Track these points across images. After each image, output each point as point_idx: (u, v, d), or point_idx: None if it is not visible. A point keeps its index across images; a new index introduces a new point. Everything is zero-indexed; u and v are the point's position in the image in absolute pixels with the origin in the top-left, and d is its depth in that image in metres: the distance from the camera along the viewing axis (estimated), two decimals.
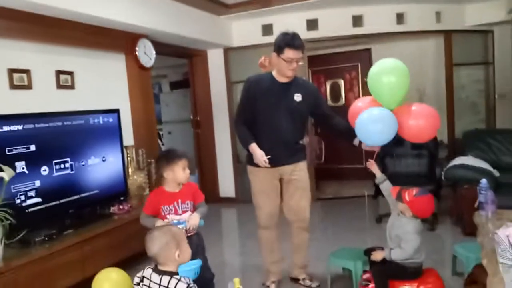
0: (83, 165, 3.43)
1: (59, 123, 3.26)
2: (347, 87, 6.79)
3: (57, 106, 3.42)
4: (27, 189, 2.98)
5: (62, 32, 3.45)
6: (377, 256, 2.53)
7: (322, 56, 6.69)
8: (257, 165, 2.85)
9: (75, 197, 3.33)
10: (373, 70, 2.58)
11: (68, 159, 3.31)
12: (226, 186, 5.97)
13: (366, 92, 6.53)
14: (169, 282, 1.75)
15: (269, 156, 2.76)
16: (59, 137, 3.26)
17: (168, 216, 2.46)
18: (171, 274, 1.78)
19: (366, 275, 2.61)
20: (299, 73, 5.54)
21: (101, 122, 3.61)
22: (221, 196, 5.96)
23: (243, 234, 4.77)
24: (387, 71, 2.52)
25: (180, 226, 2.29)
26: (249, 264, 3.65)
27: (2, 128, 2.83)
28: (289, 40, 2.77)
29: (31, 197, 3.01)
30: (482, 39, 5.83)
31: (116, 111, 3.77)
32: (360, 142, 2.76)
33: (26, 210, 2.97)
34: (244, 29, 5.63)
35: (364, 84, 6.64)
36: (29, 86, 3.30)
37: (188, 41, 5.04)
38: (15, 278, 2.58)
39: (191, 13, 4.77)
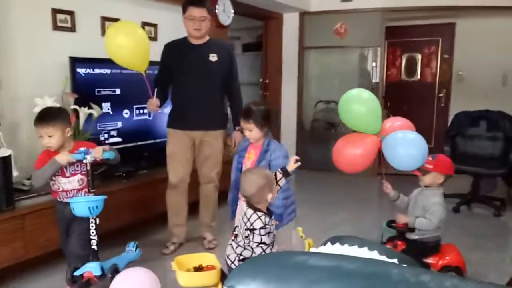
0: (159, 113, 3.67)
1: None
2: (424, 62, 6.49)
3: None
4: (110, 128, 3.29)
5: None
6: (400, 219, 2.50)
7: (400, 28, 6.41)
8: (173, 127, 3.03)
9: (151, 141, 3.61)
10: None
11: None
12: (288, 152, 6.05)
13: (443, 70, 6.30)
14: (251, 215, 1.94)
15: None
16: (142, 84, 3.50)
17: (54, 178, 2.23)
18: (256, 209, 1.95)
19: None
20: (372, 42, 5.43)
21: None
22: None
23: (301, 199, 4.87)
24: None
25: (88, 157, 2.16)
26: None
27: (94, 70, 3.12)
28: None
29: (113, 136, 3.32)
30: None
31: None
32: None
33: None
34: None
35: (443, 60, 6.34)
36: None
37: (265, 3, 5.08)
38: None
39: None
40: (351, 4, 5.41)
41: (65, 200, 2.21)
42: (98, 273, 2.11)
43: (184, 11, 2.87)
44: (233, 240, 2.07)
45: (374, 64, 5.65)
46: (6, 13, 2.85)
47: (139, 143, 3.52)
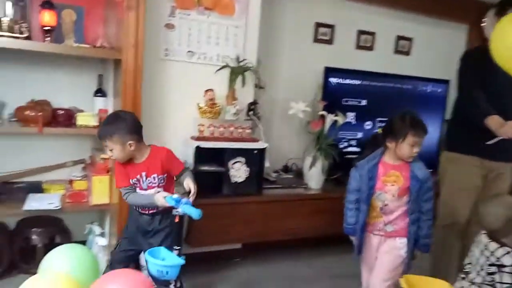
0: None
1: (390, 85, 3.47)
2: None
3: (391, 69, 3.63)
4: (350, 137, 3.38)
5: None
6: None
7: None
8: (465, 152, 2.41)
9: None
10: None
11: None
12: None
13: None
14: (495, 249, 1.73)
15: None
16: (387, 98, 3.48)
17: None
18: (501, 243, 1.75)
19: None
20: None
21: (428, 90, 3.62)
22: None
23: None
24: None
25: (179, 209, 1.77)
26: None
27: (344, 81, 3.27)
28: None
29: (352, 145, 3.40)
30: None
31: (446, 82, 3.68)
32: None
33: (345, 156, 3.37)
34: None
35: None
36: (371, 48, 3.64)
37: None
38: (326, 205, 2.99)
39: None
40: None
41: (141, 211, 1.96)
42: None
43: (504, 12, 2.28)
44: (463, 278, 1.87)
45: None
46: (278, 25, 3.28)
47: None
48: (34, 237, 2.41)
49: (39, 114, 2.27)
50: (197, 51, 2.70)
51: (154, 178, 1.90)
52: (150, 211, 1.93)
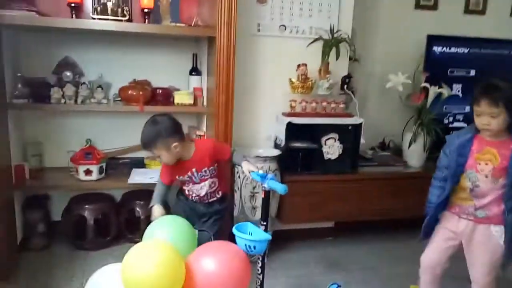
0: None
1: (506, 52, 3.08)
2: None
3: (507, 34, 3.20)
4: (456, 112, 3.07)
5: None
6: None
7: None
8: None
9: None
10: None
11: None
12: None
13: None
14: None
15: None
16: (501, 67, 3.09)
17: (187, 186, 1.99)
18: None
19: None
20: None
21: None
22: None
23: None
24: None
25: (266, 185, 1.64)
26: None
27: (450, 49, 2.96)
28: None
29: (458, 120, 3.09)
30: None
31: None
32: None
33: (450, 132, 3.07)
34: None
35: None
36: (482, 12, 3.24)
37: None
38: (427, 185, 2.75)
39: None
40: None
41: (197, 201, 2.02)
42: None
43: None
44: None
45: None
46: None
47: None
48: (137, 209, 2.58)
49: (140, 93, 2.39)
50: (289, 25, 2.62)
51: (205, 171, 1.94)
52: (208, 200, 2.02)
